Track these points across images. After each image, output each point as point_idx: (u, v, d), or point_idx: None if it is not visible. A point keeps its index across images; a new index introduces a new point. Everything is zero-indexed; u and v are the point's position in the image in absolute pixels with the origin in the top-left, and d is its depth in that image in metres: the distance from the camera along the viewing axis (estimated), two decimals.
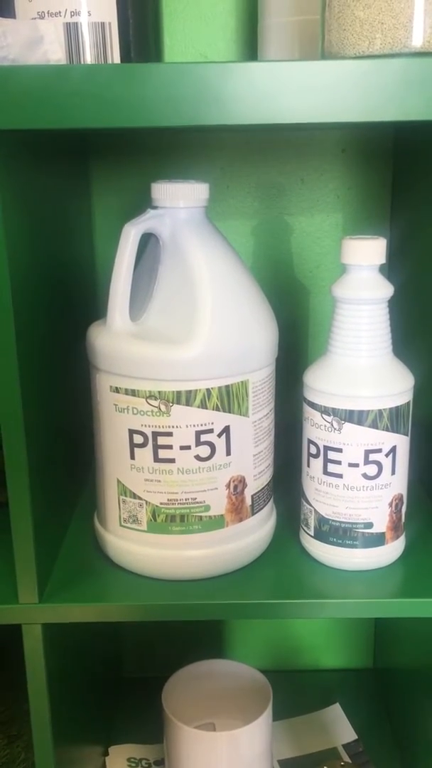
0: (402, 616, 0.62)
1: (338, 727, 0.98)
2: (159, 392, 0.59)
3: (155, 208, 0.62)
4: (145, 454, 0.61)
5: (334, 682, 1.06)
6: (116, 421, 0.62)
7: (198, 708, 0.90)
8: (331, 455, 0.63)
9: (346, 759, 0.93)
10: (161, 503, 0.62)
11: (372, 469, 0.62)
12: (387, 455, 0.62)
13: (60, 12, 0.59)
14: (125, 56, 0.61)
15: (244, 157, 0.89)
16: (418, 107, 0.49)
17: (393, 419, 0.62)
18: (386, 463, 0.62)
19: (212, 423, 0.60)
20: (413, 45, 0.50)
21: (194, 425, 0.60)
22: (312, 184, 0.89)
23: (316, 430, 0.63)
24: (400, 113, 0.49)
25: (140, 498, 0.62)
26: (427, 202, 0.75)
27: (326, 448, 0.63)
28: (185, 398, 0.59)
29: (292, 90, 0.49)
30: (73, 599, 0.62)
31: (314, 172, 0.89)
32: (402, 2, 0.49)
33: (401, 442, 0.63)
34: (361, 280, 0.61)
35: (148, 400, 0.60)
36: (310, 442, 0.64)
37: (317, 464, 0.64)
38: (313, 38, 0.68)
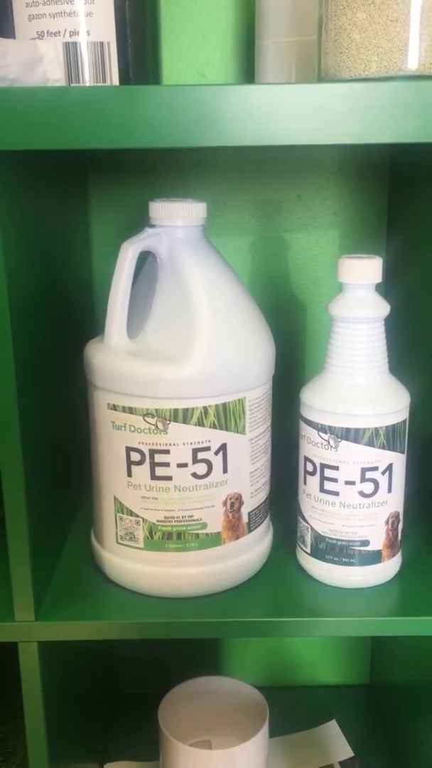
0: (398, 634, 0.62)
1: (335, 744, 0.97)
2: (156, 410, 0.59)
3: (153, 226, 0.62)
4: (142, 472, 0.61)
5: (330, 698, 1.06)
6: (113, 439, 0.62)
7: (194, 725, 0.90)
8: (328, 473, 0.63)
9: None
10: (158, 521, 0.62)
11: (368, 487, 0.62)
12: (383, 473, 0.62)
13: (59, 32, 0.59)
14: (124, 75, 0.61)
15: (242, 174, 0.89)
16: (413, 130, 0.49)
17: (389, 437, 0.62)
18: (383, 481, 0.62)
19: (209, 441, 0.61)
20: (409, 68, 0.50)
21: (191, 443, 0.60)
22: (309, 201, 0.90)
23: (313, 447, 0.63)
24: (395, 136, 0.49)
25: (137, 515, 0.62)
26: (422, 220, 0.75)
27: (323, 466, 0.63)
28: (182, 416, 0.59)
29: (288, 112, 0.49)
30: (69, 617, 0.62)
31: (311, 189, 0.90)
32: (398, 26, 0.49)
33: (398, 460, 0.63)
34: (357, 299, 0.61)
35: (145, 417, 0.60)
36: (306, 459, 0.64)
37: (314, 482, 0.64)
38: (310, 58, 0.68)
